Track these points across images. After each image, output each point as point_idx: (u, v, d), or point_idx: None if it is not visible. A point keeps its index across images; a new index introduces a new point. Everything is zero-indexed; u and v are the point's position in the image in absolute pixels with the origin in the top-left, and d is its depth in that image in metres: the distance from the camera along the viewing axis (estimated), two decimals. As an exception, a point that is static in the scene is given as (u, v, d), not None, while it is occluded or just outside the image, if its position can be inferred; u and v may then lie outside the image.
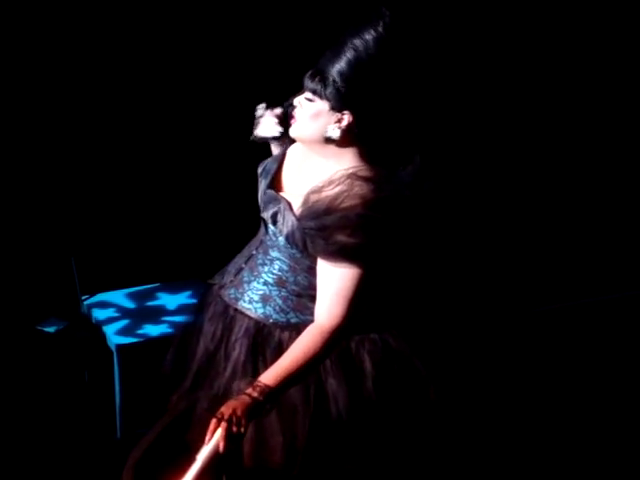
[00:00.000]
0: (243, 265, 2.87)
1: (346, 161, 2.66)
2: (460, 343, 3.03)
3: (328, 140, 2.65)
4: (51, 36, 4.34)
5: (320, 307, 2.64)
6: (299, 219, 2.66)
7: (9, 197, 4.49)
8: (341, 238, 2.57)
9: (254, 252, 2.84)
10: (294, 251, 2.72)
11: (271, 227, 2.77)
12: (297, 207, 2.69)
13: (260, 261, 2.81)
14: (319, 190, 2.63)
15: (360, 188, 2.59)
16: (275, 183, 2.82)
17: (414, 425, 2.80)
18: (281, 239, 2.74)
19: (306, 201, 2.65)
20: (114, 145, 4.57)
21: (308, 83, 2.63)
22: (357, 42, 2.56)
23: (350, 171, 2.62)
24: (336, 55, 2.58)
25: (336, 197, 2.59)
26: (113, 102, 4.51)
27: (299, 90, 2.69)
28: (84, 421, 4.10)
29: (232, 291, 2.86)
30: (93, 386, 4.24)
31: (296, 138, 2.73)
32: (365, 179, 2.60)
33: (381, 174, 2.63)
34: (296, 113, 2.69)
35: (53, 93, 4.43)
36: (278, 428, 2.72)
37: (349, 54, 2.56)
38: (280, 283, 2.76)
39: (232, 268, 2.91)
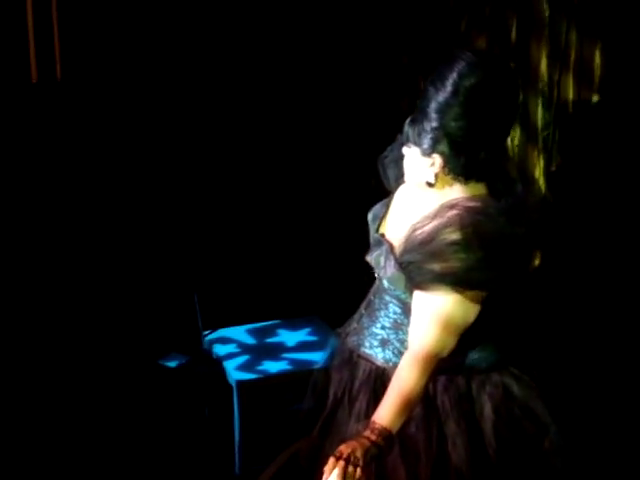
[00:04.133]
0: (363, 311, 2.90)
1: (450, 197, 2.67)
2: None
3: (429, 184, 2.66)
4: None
5: (412, 334, 2.64)
6: (399, 256, 2.67)
7: (134, 235, 4.57)
8: (435, 266, 2.57)
9: (372, 297, 2.87)
10: (398, 292, 2.73)
11: (376, 271, 2.79)
12: (398, 247, 2.70)
13: (377, 306, 2.83)
14: (419, 225, 2.64)
15: (458, 217, 2.59)
16: (382, 227, 2.84)
17: (528, 473, 2.75)
18: (385, 282, 2.76)
19: (407, 237, 2.66)
20: (235, 185, 4.64)
21: (404, 131, 2.68)
22: (436, 91, 2.58)
23: (450, 203, 2.63)
24: (422, 102, 2.62)
25: (434, 229, 2.60)
26: (226, 143, 4.59)
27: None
28: (204, 456, 4.13)
29: (355, 338, 2.89)
30: (213, 421, 4.27)
31: (407, 186, 2.78)
32: (463, 208, 2.60)
33: (482, 204, 2.62)
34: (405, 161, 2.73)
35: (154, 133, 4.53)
36: (402, 471, 2.71)
37: (429, 103, 2.59)
38: (396, 326, 2.77)
39: (356, 315, 2.93)
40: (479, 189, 2.67)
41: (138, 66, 4.44)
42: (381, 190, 2.98)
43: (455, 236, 2.57)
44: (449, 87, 2.56)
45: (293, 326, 4.38)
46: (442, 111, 2.57)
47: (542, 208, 2.71)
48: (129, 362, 4.46)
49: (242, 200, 4.66)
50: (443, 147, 2.60)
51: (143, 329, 4.57)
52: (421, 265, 2.60)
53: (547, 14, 3.73)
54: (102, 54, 4.39)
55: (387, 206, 2.87)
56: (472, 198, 2.64)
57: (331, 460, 2.52)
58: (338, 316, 3.11)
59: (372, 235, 2.86)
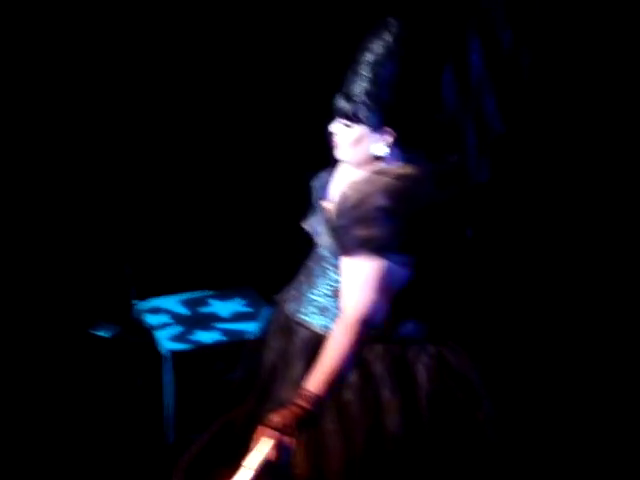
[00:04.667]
0: (302, 278, 2.89)
1: (387, 164, 2.68)
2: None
3: (377, 157, 2.66)
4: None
5: (343, 300, 2.64)
6: (331, 222, 2.69)
7: (66, 202, 4.53)
8: (359, 232, 2.59)
9: (311, 265, 2.87)
10: (335, 260, 2.74)
11: (314, 238, 2.80)
12: (331, 213, 2.72)
13: (316, 272, 2.82)
14: (349, 191, 2.65)
15: (386, 183, 2.60)
16: (326, 195, 2.84)
17: (460, 443, 2.78)
18: (323, 250, 2.77)
19: (338, 203, 2.68)
20: (172, 154, 4.61)
21: (341, 109, 2.65)
22: (373, 59, 2.59)
23: (381, 169, 2.64)
24: (358, 76, 2.61)
25: (363, 194, 2.61)
26: (174, 116, 4.56)
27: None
28: (135, 425, 4.12)
29: (293, 304, 2.88)
30: (145, 391, 4.26)
31: (344, 162, 2.76)
32: (393, 174, 2.62)
33: (412, 170, 2.64)
34: (337, 140, 2.71)
35: (115, 109, 4.49)
36: (337, 438, 2.73)
37: (369, 73, 2.59)
38: (335, 293, 2.77)
39: (294, 282, 2.93)
40: (417, 156, 2.67)
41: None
42: (317, 159, 2.97)
43: (382, 202, 2.58)
44: (387, 57, 2.57)
45: (226, 297, 4.38)
46: (385, 83, 2.57)
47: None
48: (59, 331, 4.43)
49: (175, 168, 4.63)
50: (394, 119, 2.60)
51: (74, 298, 4.53)
52: (348, 230, 2.62)
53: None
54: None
55: (332, 174, 2.87)
56: (404, 165, 2.65)
57: (261, 429, 2.52)
58: (271, 287, 3.11)
59: (314, 202, 2.86)
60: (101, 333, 4.38)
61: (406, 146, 2.66)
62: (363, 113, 2.61)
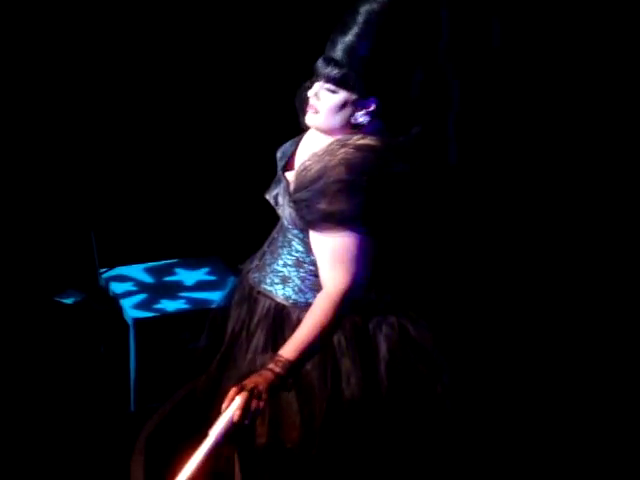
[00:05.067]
0: (266, 248, 2.89)
1: (352, 134, 2.65)
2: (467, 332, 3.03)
3: (355, 126, 2.64)
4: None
5: (322, 275, 2.64)
6: (291, 195, 2.66)
7: (31, 169, 4.50)
8: (322, 206, 2.57)
9: (275, 235, 2.86)
10: (296, 231, 2.73)
11: (276, 209, 2.79)
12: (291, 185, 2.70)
13: (280, 243, 2.82)
14: (309, 163, 2.63)
15: (345, 154, 2.57)
16: (289, 165, 2.82)
17: (419, 415, 2.79)
18: (284, 221, 2.76)
19: (297, 175, 2.65)
20: (138, 121, 4.58)
21: (328, 74, 2.58)
22: (366, 24, 2.53)
23: (342, 141, 2.61)
24: (349, 41, 2.54)
25: (322, 167, 2.58)
26: (140, 82, 4.54)
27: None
28: (99, 393, 4.11)
29: (256, 275, 2.88)
30: (109, 359, 4.25)
31: (316, 128, 2.71)
32: (353, 146, 2.58)
33: (372, 141, 2.60)
34: (315, 104, 2.64)
35: (79, 81, 4.46)
36: (296, 407, 2.73)
37: (359, 38, 2.53)
38: (298, 264, 2.77)
39: (259, 252, 2.92)
40: (384, 127, 2.64)
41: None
42: (285, 128, 2.96)
43: (342, 174, 2.55)
44: (381, 18, 2.51)
45: (192, 265, 4.37)
46: (378, 50, 2.52)
47: (435, 149, 2.72)
48: (24, 298, 4.41)
49: (142, 137, 4.61)
50: (382, 88, 2.57)
51: (39, 264, 4.51)
52: (310, 204, 2.60)
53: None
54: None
55: (297, 144, 2.83)
56: (365, 136, 2.62)
57: (233, 390, 2.51)
58: (238, 256, 3.11)
59: (278, 173, 2.84)
60: (66, 300, 4.37)
61: (384, 116, 2.62)
62: (352, 79, 2.56)
